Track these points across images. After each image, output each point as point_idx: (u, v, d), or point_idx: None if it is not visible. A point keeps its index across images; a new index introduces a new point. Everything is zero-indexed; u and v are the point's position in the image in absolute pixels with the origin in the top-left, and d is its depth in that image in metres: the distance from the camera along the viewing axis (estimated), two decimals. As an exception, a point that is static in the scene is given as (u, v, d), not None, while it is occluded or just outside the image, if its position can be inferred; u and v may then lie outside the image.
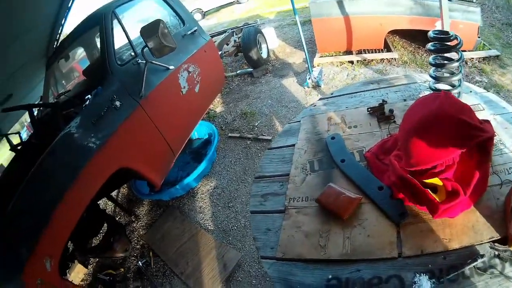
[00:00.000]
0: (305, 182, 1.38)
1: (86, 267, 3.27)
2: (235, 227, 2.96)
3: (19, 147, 2.94)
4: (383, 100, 1.59)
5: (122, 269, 3.10)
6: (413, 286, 0.88)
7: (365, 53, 4.53)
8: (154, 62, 2.83)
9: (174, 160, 3.11)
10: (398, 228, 1.06)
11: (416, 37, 4.47)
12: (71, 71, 4.35)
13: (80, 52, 4.19)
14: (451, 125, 0.97)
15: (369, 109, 1.59)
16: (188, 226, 3.15)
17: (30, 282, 1.88)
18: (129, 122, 2.58)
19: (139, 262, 3.01)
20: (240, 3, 11.75)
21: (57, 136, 2.24)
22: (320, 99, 1.95)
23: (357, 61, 4.52)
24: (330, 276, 1.00)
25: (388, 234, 1.05)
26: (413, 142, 1.01)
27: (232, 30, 5.94)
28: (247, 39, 5.12)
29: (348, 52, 4.72)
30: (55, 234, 2.03)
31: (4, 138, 3.10)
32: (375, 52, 4.49)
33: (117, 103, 2.53)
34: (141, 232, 3.41)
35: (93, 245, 3.34)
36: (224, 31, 6.07)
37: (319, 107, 1.85)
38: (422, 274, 0.89)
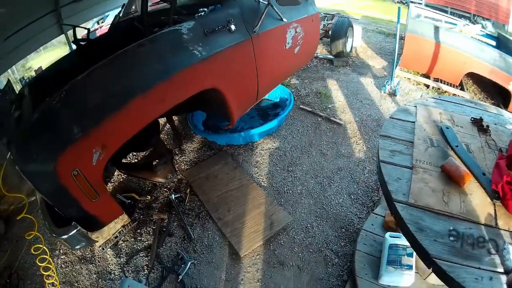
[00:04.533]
0: (428, 151, 1.59)
1: (106, 183, 3.11)
2: (291, 191, 2.88)
3: (83, 43, 2.82)
4: (481, 117, 1.82)
5: (149, 197, 2.95)
6: (504, 251, 1.14)
7: (441, 82, 4.55)
8: (274, 7, 2.84)
9: (252, 106, 3.06)
10: (494, 206, 1.32)
11: (486, 87, 4.59)
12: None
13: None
14: None
15: (472, 118, 1.82)
16: (240, 175, 3.06)
17: (63, 169, 1.64)
18: (237, 49, 2.53)
19: (173, 195, 2.86)
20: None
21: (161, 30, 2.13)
22: (431, 97, 2.13)
23: (432, 87, 4.57)
24: (451, 228, 1.23)
25: (488, 208, 1.31)
26: None
27: (325, 14, 5.94)
28: (340, 28, 5.12)
29: (426, 76, 4.76)
30: (121, 125, 1.83)
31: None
32: (450, 85, 4.51)
33: (232, 27, 2.49)
34: (183, 167, 3.32)
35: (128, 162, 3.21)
36: (316, 13, 6.09)
37: (430, 102, 2.04)
38: (510, 245, 1.16)
